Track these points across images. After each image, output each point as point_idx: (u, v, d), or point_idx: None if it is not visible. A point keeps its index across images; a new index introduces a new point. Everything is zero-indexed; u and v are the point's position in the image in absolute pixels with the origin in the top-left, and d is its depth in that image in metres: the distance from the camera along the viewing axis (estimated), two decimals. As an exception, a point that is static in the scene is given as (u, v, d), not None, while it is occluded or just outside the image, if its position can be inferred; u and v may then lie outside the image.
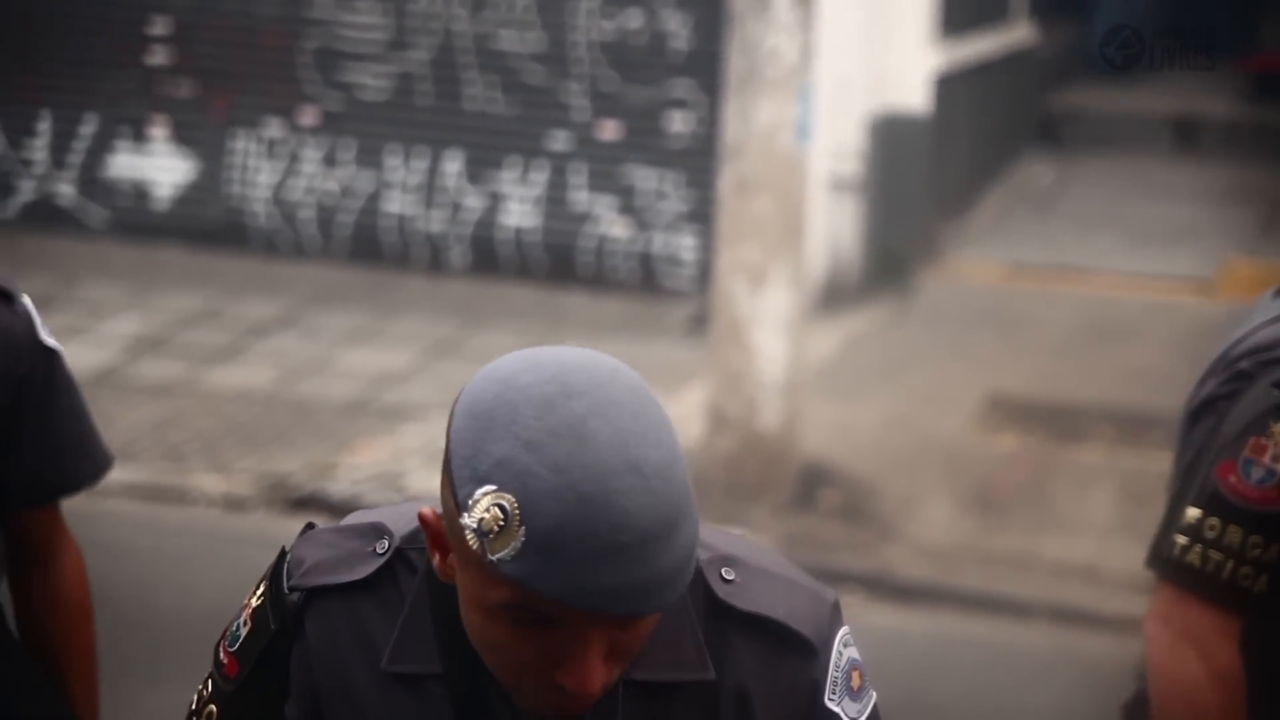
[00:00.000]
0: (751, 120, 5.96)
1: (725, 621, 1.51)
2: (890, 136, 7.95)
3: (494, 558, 1.35)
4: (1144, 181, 9.41)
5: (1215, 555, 2.16)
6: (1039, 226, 8.82)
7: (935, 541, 5.67)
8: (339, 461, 6.03)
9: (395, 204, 8.18)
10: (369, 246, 8.17)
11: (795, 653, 1.53)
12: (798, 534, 5.57)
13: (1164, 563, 2.20)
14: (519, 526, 1.34)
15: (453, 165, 8.13)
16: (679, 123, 7.88)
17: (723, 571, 1.53)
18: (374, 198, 8.19)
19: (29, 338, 2.14)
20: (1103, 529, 5.79)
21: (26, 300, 2.17)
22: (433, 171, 8.14)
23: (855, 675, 1.57)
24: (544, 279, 7.94)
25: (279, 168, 8.27)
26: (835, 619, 1.56)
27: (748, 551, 1.56)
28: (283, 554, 1.60)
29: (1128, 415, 6.55)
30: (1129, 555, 5.58)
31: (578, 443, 1.35)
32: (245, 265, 8.08)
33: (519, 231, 8.07)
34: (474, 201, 8.11)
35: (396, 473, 5.95)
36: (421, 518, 1.46)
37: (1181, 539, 2.18)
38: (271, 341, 7.20)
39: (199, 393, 6.52)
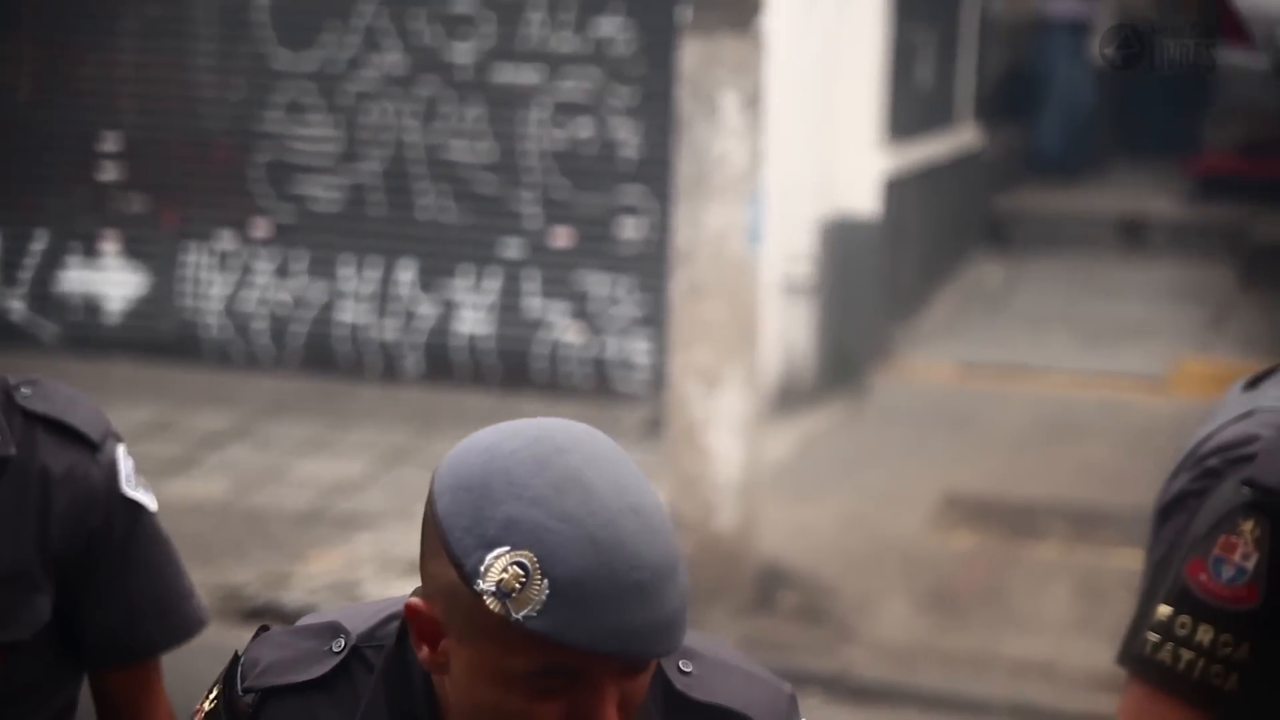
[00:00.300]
0: (702, 225, 6.00)
1: (684, 713, 1.53)
2: (841, 239, 8.01)
3: (519, 616, 1.35)
4: (1093, 281, 9.50)
5: (1186, 654, 2.15)
6: (990, 326, 8.89)
7: (894, 641, 5.65)
8: (293, 571, 5.98)
9: (348, 313, 8.18)
10: (322, 356, 8.16)
11: None
12: (756, 635, 5.54)
13: (1135, 660, 2.20)
14: (541, 579, 1.35)
15: (406, 274, 8.15)
16: (630, 229, 7.93)
17: (680, 664, 1.54)
18: (327, 308, 8.19)
19: (108, 489, 2.05)
20: (1060, 626, 5.78)
21: (118, 449, 2.07)
22: (386, 281, 8.15)
23: None
24: (498, 386, 7.94)
25: (231, 279, 8.28)
26: (793, 710, 1.57)
27: (704, 645, 1.58)
28: (236, 657, 1.60)
29: (1082, 512, 6.57)
30: (1087, 652, 5.59)
31: (583, 493, 1.38)
32: (198, 377, 8.06)
33: (473, 339, 8.07)
34: (427, 310, 8.12)
35: (352, 581, 5.91)
36: (410, 609, 1.45)
37: (1153, 636, 2.17)
38: (225, 452, 7.16)
39: (151, 506, 6.46)
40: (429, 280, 8.12)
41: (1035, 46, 11.16)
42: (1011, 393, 7.90)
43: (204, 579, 5.85)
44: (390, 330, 8.13)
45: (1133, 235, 10.10)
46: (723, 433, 5.83)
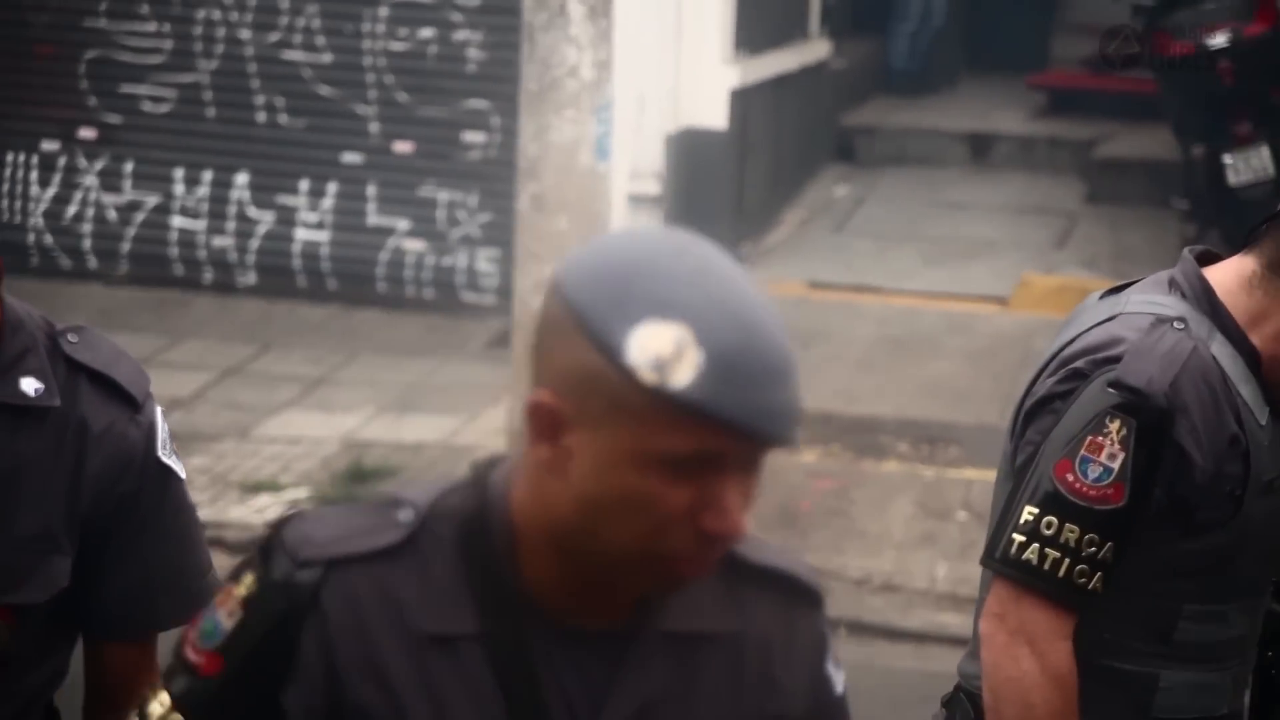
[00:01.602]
0: (548, 138, 5.89)
1: (740, 576, 1.56)
2: (689, 152, 7.93)
3: (676, 385, 1.37)
4: (940, 197, 9.50)
5: (1052, 553, 2.17)
6: (837, 243, 8.86)
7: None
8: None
9: (180, 222, 7.92)
10: (153, 267, 7.89)
11: (806, 604, 1.60)
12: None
13: (1000, 560, 2.21)
14: (697, 350, 1.38)
15: (241, 182, 7.91)
16: (474, 140, 7.75)
17: None
18: (158, 215, 7.92)
19: (144, 452, 1.97)
20: (902, 542, 5.79)
21: (157, 411, 1.99)
22: (220, 189, 7.90)
23: (835, 649, 1.65)
24: (338, 298, 7.75)
25: (55, 186, 7.97)
26: (821, 588, 1.64)
27: None
28: (273, 533, 1.50)
29: (926, 429, 6.58)
30: (928, 569, 5.60)
31: (724, 278, 1.43)
32: (22, 286, 7.69)
33: (311, 250, 7.87)
34: (264, 219, 7.89)
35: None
36: (534, 405, 1.44)
37: (1019, 537, 2.19)
38: (50, 367, 6.91)
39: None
40: (265, 189, 7.88)
41: (887, -41, 11.10)
42: (858, 309, 7.89)
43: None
44: (225, 240, 7.89)
45: (981, 150, 10.12)
46: (566, 348, 5.72)
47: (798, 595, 1.59)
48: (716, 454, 1.40)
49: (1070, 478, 2.16)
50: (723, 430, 1.39)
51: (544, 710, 1.47)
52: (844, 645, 5.28)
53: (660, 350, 1.38)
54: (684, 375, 1.38)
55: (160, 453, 2.00)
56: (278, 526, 1.52)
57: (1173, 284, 2.27)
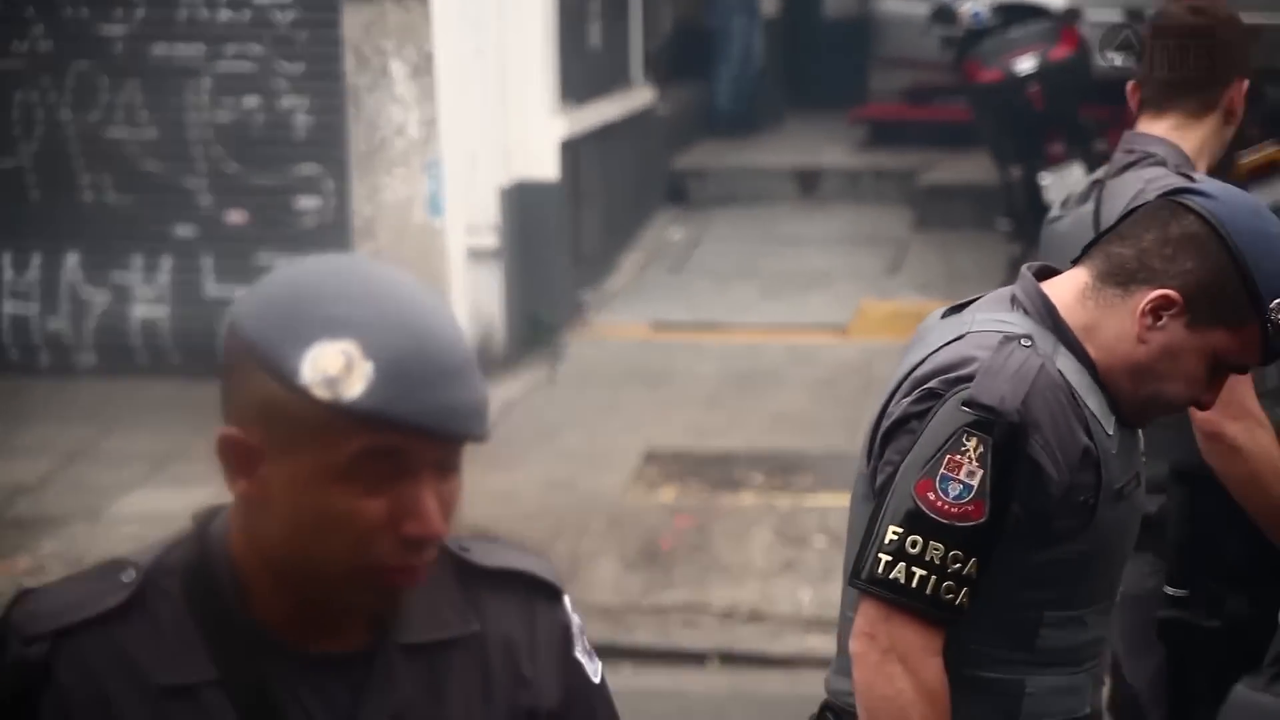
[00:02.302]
0: (381, 198, 5.89)
1: (476, 579, 1.62)
2: (523, 204, 7.96)
3: (348, 397, 1.41)
4: (773, 233, 9.64)
5: (919, 571, 2.20)
6: (677, 284, 8.95)
7: (606, 600, 5.64)
8: (-30, 583, 5.65)
9: (9, 306, 7.77)
10: (-13, 355, 7.73)
11: (544, 599, 1.65)
12: (465, 608, 5.46)
13: (867, 580, 2.23)
14: (365, 362, 1.42)
15: (71, 262, 7.78)
16: (308, 204, 7.71)
17: (461, 543, 1.64)
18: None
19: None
20: (764, 572, 5.84)
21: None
22: (49, 270, 7.77)
23: (586, 639, 1.69)
24: (181, 372, 7.65)
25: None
26: (559, 581, 1.68)
27: (468, 535, 1.70)
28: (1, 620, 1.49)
29: (777, 459, 6.65)
30: (791, 595, 5.66)
31: (390, 289, 1.47)
32: None
33: (149, 326, 7.76)
34: (97, 299, 7.77)
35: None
36: (224, 441, 1.47)
37: (884, 556, 2.21)
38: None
39: None
40: (97, 268, 7.76)
41: (707, 2, 11.26)
42: (702, 347, 7.96)
43: None
44: (58, 322, 7.75)
45: (808, 186, 10.29)
46: (417, 404, 5.71)
47: (534, 591, 1.64)
48: (403, 458, 1.44)
49: (932, 496, 2.19)
50: (401, 433, 1.43)
51: None
52: (717, 676, 5.33)
53: (329, 367, 1.42)
54: (355, 387, 1.42)
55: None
56: (8, 608, 1.53)
57: (1014, 301, 2.31)
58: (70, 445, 6.95)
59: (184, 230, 7.74)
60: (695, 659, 5.37)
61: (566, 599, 1.67)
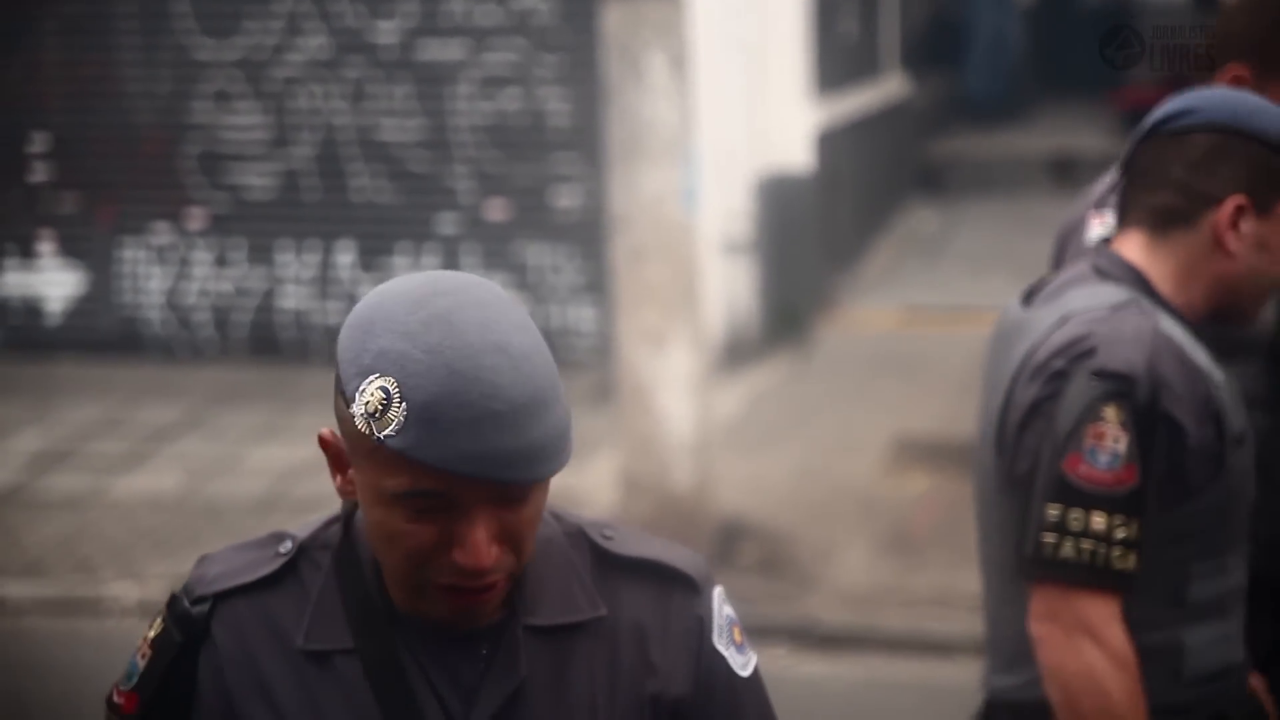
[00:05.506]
0: (637, 190, 6.02)
1: (612, 568, 1.66)
2: (777, 195, 8.04)
3: (381, 435, 1.47)
4: (1026, 219, 9.56)
5: (1086, 544, 2.23)
6: (929, 271, 8.95)
7: (856, 587, 5.70)
8: (254, 560, 5.97)
9: (290, 299, 8.16)
10: (266, 344, 8.13)
11: (680, 590, 1.67)
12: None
13: (1037, 564, 2.26)
14: (400, 403, 1.46)
15: (345, 256, 8.14)
16: (566, 197, 7.94)
17: (603, 532, 1.68)
18: (268, 295, 8.17)
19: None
20: (1018, 560, 5.84)
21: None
22: (325, 264, 8.14)
23: (736, 631, 1.69)
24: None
25: (170, 272, 8.24)
26: (710, 573, 1.70)
27: (622, 526, 1.74)
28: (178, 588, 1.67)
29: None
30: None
31: (448, 328, 1.48)
32: (143, 372, 8.02)
33: (416, 317, 8.05)
34: (369, 290, 8.10)
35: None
36: (321, 439, 1.58)
37: (1049, 537, 2.25)
38: (176, 445, 7.14)
39: (107, 502, 6.43)
40: (368, 261, 8.11)
41: (959, -9, 11.21)
42: (954, 334, 7.96)
43: (164, 571, 5.84)
44: (333, 313, 8.12)
45: (1063, 172, 10.18)
46: (672, 393, 5.86)
47: (671, 581, 1.66)
48: (447, 494, 1.49)
49: (1084, 468, 2.22)
50: (433, 474, 1.47)
51: (417, 711, 1.58)
52: (967, 666, 5.34)
53: (371, 403, 1.48)
54: (389, 427, 1.46)
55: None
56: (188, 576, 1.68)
57: (1100, 273, 2.36)
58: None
59: (447, 223, 8.04)
60: (946, 647, 5.38)
61: (716, 591, 1.69)
